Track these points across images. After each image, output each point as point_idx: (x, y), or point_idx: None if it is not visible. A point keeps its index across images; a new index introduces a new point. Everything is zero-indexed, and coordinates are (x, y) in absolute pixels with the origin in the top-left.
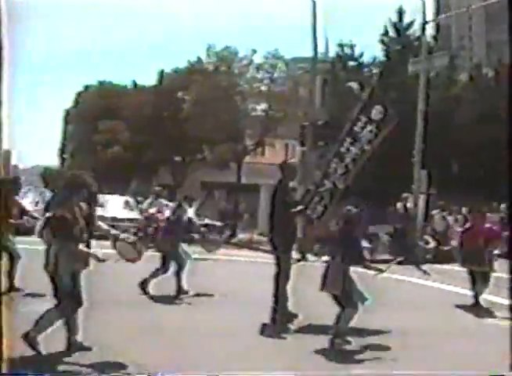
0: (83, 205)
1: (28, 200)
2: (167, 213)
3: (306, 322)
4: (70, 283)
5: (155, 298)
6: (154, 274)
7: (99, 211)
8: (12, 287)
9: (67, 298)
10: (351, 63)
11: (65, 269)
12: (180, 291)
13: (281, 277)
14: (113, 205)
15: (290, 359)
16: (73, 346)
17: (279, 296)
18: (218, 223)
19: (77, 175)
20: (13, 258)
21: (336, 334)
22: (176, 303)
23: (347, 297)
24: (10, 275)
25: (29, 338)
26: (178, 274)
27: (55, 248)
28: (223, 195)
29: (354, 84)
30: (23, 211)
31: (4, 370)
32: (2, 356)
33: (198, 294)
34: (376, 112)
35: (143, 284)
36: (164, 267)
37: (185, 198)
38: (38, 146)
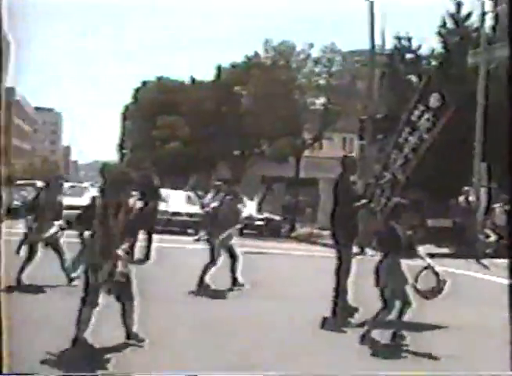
0: (133, 202)
1: (90, 195)
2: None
3: (367, 316)
4: (94, 279)
5: (211, 292)
6: (205, 270)
7: (161, 206)
8: (71, 280)
9: (89, 291)
10: (409, 56)
11: (91, 264)
12: (235, 283)
13: (342, 271)
14: (175, 200)
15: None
16: (130, 337)
17: (340, 290)
18: (277, 217)
19: (124, 172)
20: (61, 253)
21: (369, 330)
22: (231, 296)
23: (385, 294)
24: (64, 269)
25: (79, 342)
26: (232, 267)
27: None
28: (282, 189)
29: (413, 77)
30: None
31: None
32: (2, 356)
33: (254, 287)
34: (433, 100)
35: (200, 283)
36: (213, 260)
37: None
38: (98, 141)
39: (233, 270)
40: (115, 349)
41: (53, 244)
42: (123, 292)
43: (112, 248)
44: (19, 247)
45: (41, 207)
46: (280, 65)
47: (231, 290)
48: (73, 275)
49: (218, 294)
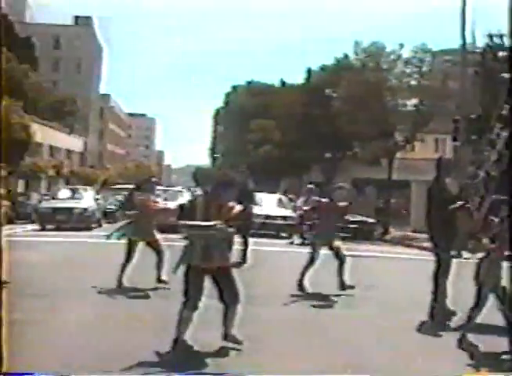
0: (233, 205)
1: (183, 200)
2: None
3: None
4: (193, 280)
5: (309, 295)
6: (304, 272)
7: (254, 210)
8: (159, 280)
9: (190, 295)
10: (502, 54)
11: (192, 266)
12: (343, 286)
13: (440, 274)
14: (267, 203)
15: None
16: (227, 338)
17: (438, 293)
18: (370, 220)
19: (227, 174)
20: (159, 253)
21: (465, 333)
22: (329, 299)
23: (482, 292)
24: (158, 268)
25: (179, 343)
26: (339, 270)
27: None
28: (374, 192)
29: (506, 75)
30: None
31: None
32: (2, 356)
33: (351, 291)
34: None
35: (300, 283)
36: (311, 262)
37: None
38: (190, 146)
39: (340, 273)
40: (216, 351)
41: (153, 243)
42: (228, 294)
43: (213, 250)
44: (109, 236)
45: (135, 208)
46: (370, 67)
47: (335, 294)
48: (164, 278)
49: (317, 297)
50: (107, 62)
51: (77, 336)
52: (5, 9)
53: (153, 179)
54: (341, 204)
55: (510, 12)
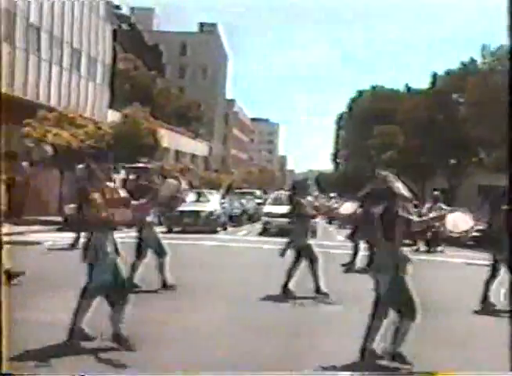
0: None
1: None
2: None
3: None
4: (387, 288)
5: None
6: (488, 285)
7: None
8: (318, 291)
9: (381, 306)
10: None
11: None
12: (484, 302)
13: None
14: None
15: None
16: (395, 356)
17: None
18: None
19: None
20: (312, 260)
21: None
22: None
23: None
24: (315, 276)
25: (368, 352)
26: (487, 283)
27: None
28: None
29: None
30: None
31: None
32: (2, 356)
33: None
34: None
35: (484, 297)
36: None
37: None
38: (313, 151)
39: (487, 286)
40: None
41: (306, 250)
42: (408, 307)
43: (392, 256)
44: (283, 252)
45: (297, 212)
46: (498, 70)
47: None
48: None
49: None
50: (232, 67)
51: (203, 336)
52: (133, 18)
53: (308, 181)
54: None
55: (510, 11)
